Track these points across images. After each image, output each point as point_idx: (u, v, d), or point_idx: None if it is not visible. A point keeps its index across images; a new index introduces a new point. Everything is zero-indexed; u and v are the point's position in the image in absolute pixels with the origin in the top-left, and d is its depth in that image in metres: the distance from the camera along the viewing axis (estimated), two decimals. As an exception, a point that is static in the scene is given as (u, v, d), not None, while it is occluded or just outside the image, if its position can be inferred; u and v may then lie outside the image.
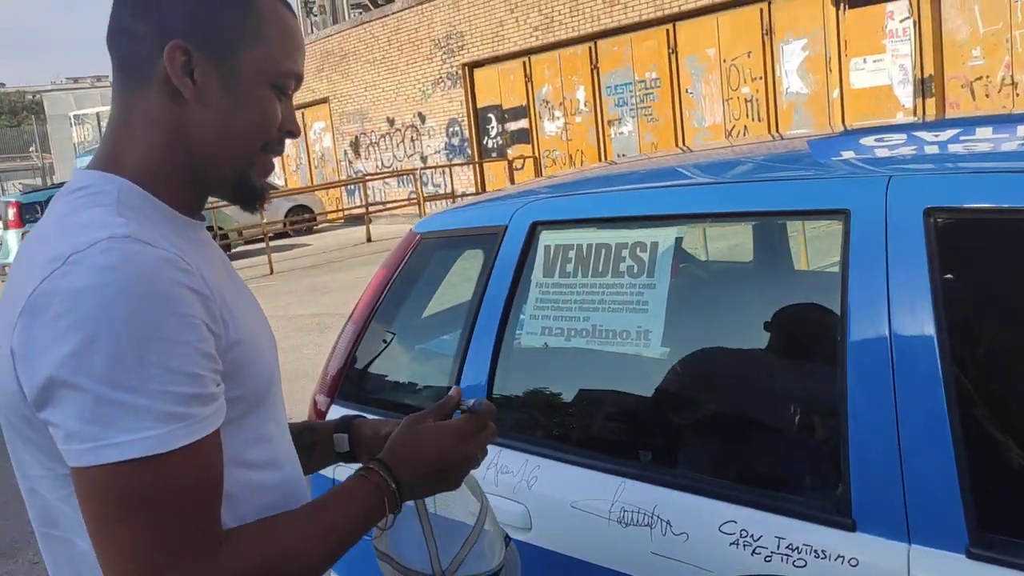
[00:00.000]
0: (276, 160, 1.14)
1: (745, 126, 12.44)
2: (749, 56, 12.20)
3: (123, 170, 1.01)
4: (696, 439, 1.66)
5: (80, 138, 33.44)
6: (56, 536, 0.99)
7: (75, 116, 33.67)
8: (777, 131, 12.05)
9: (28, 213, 14.74)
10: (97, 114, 32.81)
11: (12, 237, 14.35)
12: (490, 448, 1.81)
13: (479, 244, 2.02)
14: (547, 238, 1.86)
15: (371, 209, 16.81)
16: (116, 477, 0.86)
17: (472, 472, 1.21)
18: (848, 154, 1.73)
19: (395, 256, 2.17)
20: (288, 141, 1.12)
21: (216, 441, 0.94)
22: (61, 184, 17.12)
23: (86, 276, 0.87)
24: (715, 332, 1.78)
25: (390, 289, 2.16)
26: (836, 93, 11.17)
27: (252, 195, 1.10)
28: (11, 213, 14.76)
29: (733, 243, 2.98)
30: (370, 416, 1.39)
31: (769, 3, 11.86)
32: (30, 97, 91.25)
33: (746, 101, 12.36)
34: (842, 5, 10.76)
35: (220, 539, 0.93)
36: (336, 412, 2.09)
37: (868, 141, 1.83)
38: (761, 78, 12.12)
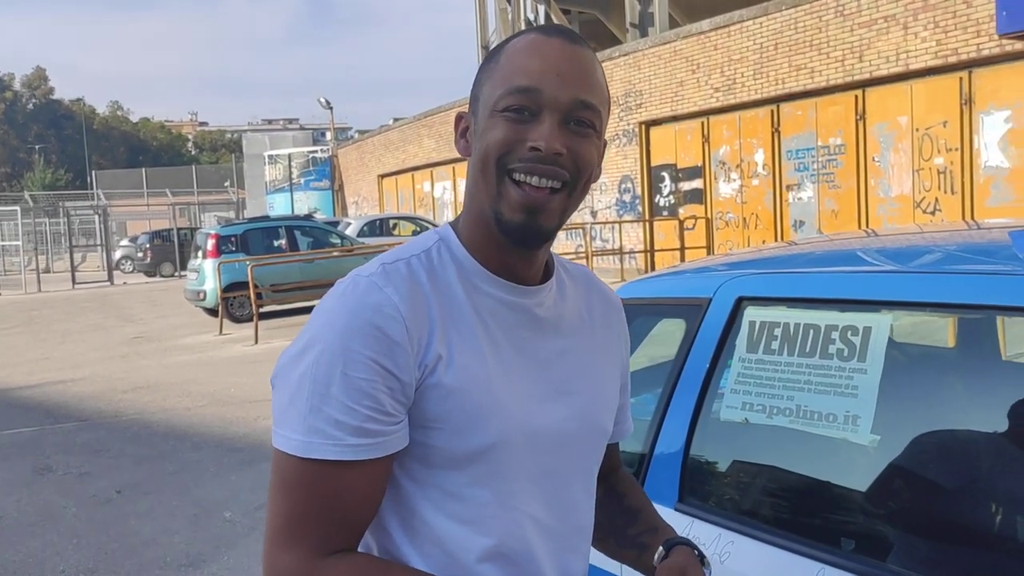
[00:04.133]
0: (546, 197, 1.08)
1: (936, 198, 11.87)
2: (945, 126, 11.67)
3: (458, 224, 1.17)
4: (904, 533, 1.61)
5: (272, 177, 35.64)
6: None
7: (269, 156, 35.94)
8: (972, 206, 11.41)
9: (224, 245, 15.77)
10: (289, 155, 34.96)
11: (209, 266, 15.10)
12: (681, 518, 1.83)
13: (681, 314, 2.05)
14: (752, 314, 1.87)
15: (539, 260, 17.06)
16: (278, 459, 1.06)
17: None
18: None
19: (594, 318, 2.23)
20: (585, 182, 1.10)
21: (360, 473, 1.04)
22: (256, 218, 18.34)
23: (328, 298, 1.09)
24: (932, 423, 1.72)
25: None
26: (1041, 169, 10.50)
27: (510, 233, 1.09)
28: (210, 244, 15.67)
29: (916, 321, 2.86)
30: None
31: (970, 72, 11.34)
32: (228, 136, 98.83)
33: (939, 172, 11.81)
34: (1052, 77, 10.15)
35: (330, 551, 1.04)
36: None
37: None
38: (957, 149, 11.56)
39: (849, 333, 1.69)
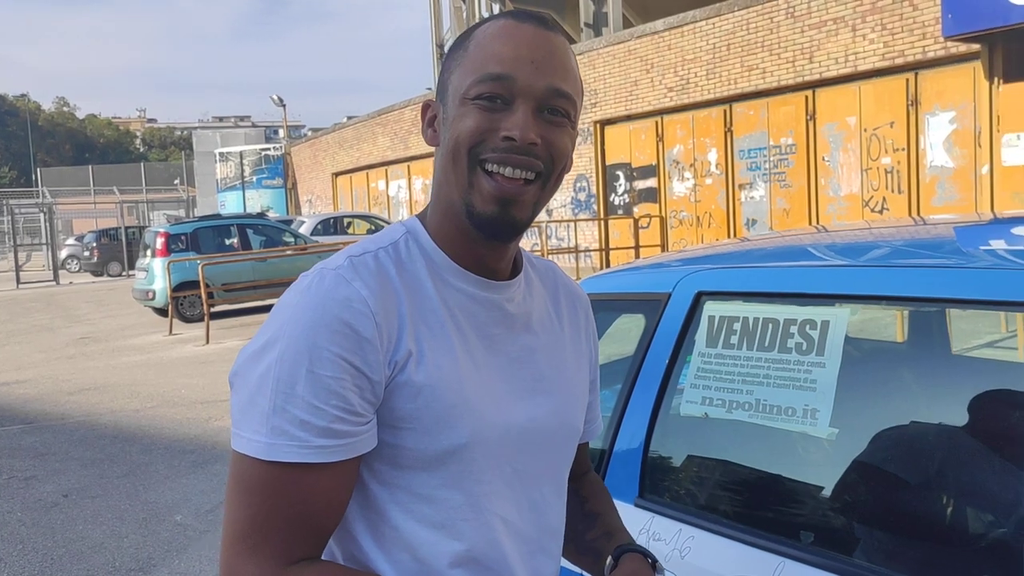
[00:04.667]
0: (521, 187, 1.05)
1: (884, 197, 12.09)
2: (892, 126, 11.89)
3: (426, 217, 1.13)
4: (863, 525, 1.62)
5: (223, 174, 35.14)
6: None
7: (220, 153, 35.45)
8: (918, 204, 11.64)
9: (174, 243, 15.49)
10: (240, 152, 34.50)
11: (158, 265, 14.82)
12: (641, 513, 1.83)
13: (640, 309, 2.04)
14: (712, 308, 1.87)
15: (495, 258, 17.06)
16: (238, 462, 1.00)
17: None
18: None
19: (553, 314, 2.21)
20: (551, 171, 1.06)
21: (327, 476, 0.99)
22: (207, 216, 18.04)
23: (292, 292, 1.03)
24: (889, 416, 1.74)
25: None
26: (985, 169, 10.75)
27: (482, 225, 1.05)
28: (159, 243, 15.38)
29: (866, 318, 2.91)
30: None
31: (916, 73, 11.56)
32: (178, 133, 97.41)
33: (886, 172, 12.03)
34: (996, 79, 10.39)
35: (293, 560, 0.99)
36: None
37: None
38: (903, 149, 11.78)
39: (808, 327, 1.69)
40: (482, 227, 1.06)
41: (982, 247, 1.81)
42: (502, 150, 1.03)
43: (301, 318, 0.99)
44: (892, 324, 3.02)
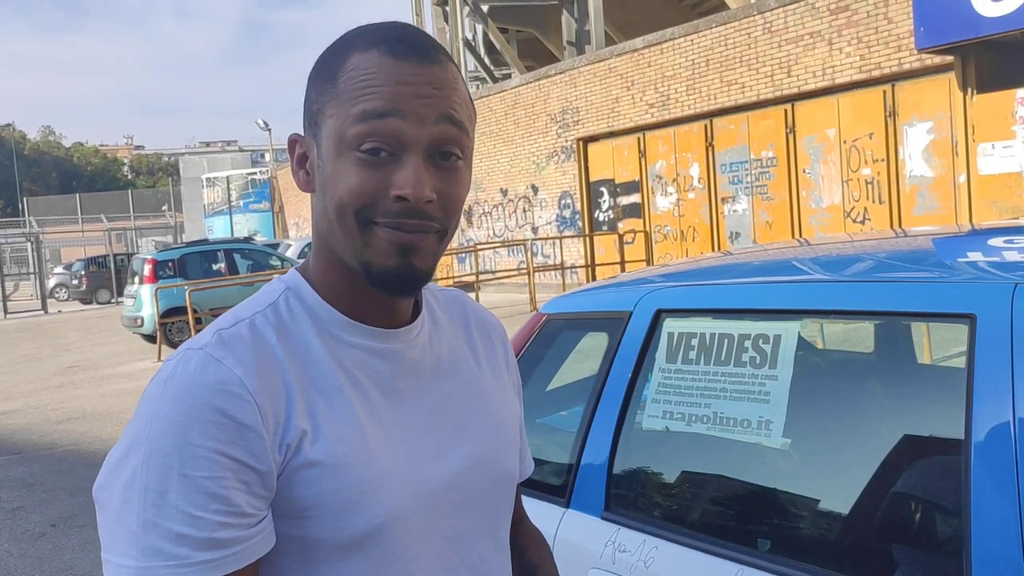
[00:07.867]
0: (420, 238, 0.93)
1: (865, 208, 12.22)
2: (871, 138, 12.04)
3: (307, 269, 1.02)
4: (816, 531, 1.68)
5: (210, 199, 35.28)
6: None
7: (207, 178, 35.62)
8: (900, 214, 11.78)
9: (162, 270, 15.56)
10: (227, 177, 34.64)
11: (146, 292, 14.89)
12: (608, 526, 1.89)
13: (604, 327, 2.11)
14: (670, 325, 1.94)
15: (481, 277, 17.17)
16: None
17: None
18: (975, 256, 1.76)
19: (522, 335, 2.29)
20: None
21: None
22: (193, 242, 18.08)
23: (154, 383, 0.90)
24: (838, 425, 1.81)
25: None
26: (963, 178, 10.89)
27: (383, 281, 0.94)
28: (147, 269, 15.47)
29: (849, 328, 2.97)
30: None
31: (893, 85, 11.73)
32: (165, 159, 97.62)
33: (867, 183, 12.17)
34: (970, 89, 10.55)
35: None
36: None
37: (996, 242, 1.85)
38: (883, 160, 11.93)
39: (760, 341, 1.76)
40: (385, 283, 0.94)
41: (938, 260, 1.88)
42: (394, 214, 0.91)
43: (165, 412, 0.86)
44: (837, 336, 3.09)
